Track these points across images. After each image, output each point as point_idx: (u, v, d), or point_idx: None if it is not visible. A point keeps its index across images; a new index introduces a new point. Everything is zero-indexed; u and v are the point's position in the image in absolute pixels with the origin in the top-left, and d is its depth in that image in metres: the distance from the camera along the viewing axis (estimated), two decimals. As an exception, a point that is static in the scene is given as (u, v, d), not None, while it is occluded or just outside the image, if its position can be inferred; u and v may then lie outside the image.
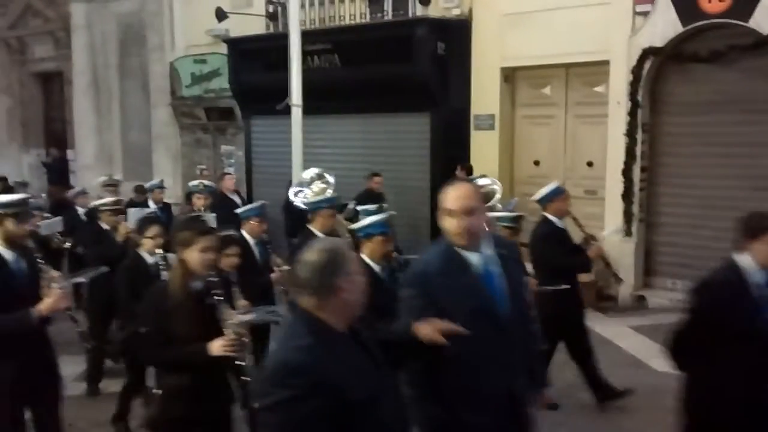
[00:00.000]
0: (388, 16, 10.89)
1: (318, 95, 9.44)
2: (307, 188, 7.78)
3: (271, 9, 11.95)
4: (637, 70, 8.72)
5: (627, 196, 8.90)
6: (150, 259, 5.22)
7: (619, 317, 8.38)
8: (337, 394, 2.24)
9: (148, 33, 14.46)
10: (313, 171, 7.97)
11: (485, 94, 10.27)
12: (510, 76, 10.29)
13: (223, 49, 12.74)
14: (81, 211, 9.09)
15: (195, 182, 8.51)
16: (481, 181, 7.17)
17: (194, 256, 3.41)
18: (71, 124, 16.38)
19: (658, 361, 6.67)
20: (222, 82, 13.09)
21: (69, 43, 15.75)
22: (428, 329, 2.67)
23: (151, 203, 9.33)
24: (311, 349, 2.29)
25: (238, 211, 6.59)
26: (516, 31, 9.76)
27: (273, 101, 9.43)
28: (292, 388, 2.22)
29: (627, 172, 8.90)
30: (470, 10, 10.26)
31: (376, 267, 4.48)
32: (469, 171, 9.85)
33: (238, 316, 3.62)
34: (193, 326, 3.36)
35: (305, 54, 9.50)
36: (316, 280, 2.34)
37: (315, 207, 5.89)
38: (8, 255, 4.08)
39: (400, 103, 10.39)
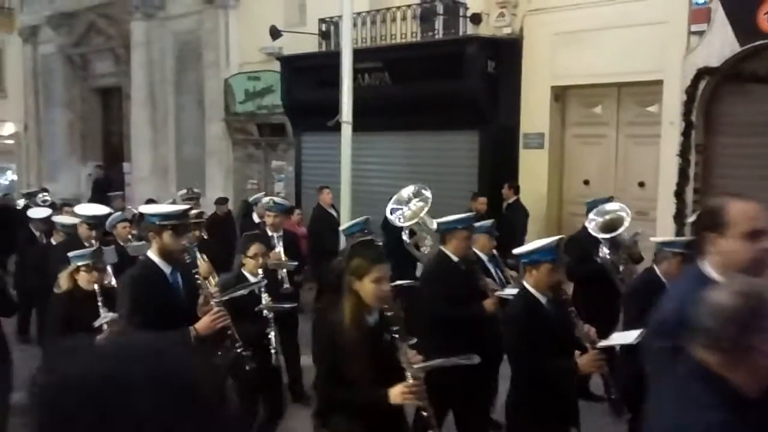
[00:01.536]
0: (439, 34, 10.96)
1: (368, 112, 9.52)
2: (405, 206, 7.23)
3: (323, 28, 12.16)
4: (691, 90, 8.59)
5: (679, 217, 8.74)
6: (252, 279, 4.91)
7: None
8: None
9: (204, 50, 14.84)
10: (411, 188, 7.41)
11: (535, 113, 10.23)
12: (560, 94, 10.23)
13: (277, 66, 12.99)
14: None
15: (266, 198, 7.94)
16: (608, 206, 6.52)
17: (368, 287, 3.09)
18: (128, 138, 16.85)
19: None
20: (275, 99, 13.33)
21: (128, 60, 16.26)
22: None
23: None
24: (726, 426, 1.79)
25: (343, 227, 6.18)
26: (567, 50, 9.72)
27: (324, 118, 9.54)
28: None
29: (679, 194, 8.75)
30: (521, 29, 10.26)
31: (542, 298, 3.94)
32: (516, 190, 9.81)
33: (419, 357, 3.19)
34: (367, 366, 3.02)
35: (356, 72, 9.59)
36: (726, 334, 1.79)
37: (449, 227, 5.08)
38: (165, 268, 3.90)
39: (450, 121, 10.42)
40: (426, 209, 6.84)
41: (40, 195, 12.27)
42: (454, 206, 10.13)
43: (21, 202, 12.19)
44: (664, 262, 4.77)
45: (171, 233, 3.86)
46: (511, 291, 4.81)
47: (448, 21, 10.89)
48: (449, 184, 10.38)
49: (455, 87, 10.16)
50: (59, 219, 7.36)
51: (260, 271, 4.92)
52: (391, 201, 7.27)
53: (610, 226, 6.22)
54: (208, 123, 14.91)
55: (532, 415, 3.81)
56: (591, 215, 6.45)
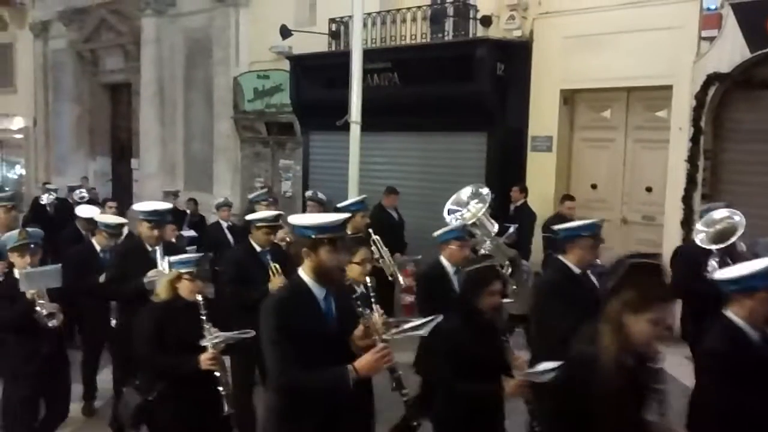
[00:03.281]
0: (449, 36, 10.98)
1: (376, 113, 9.56)
2: (464, 208, 6.65)
3: (333, 27, 12.18)
4: (701, 96, 8.58)
5: (686, 223, 8.72)
6: (357, 289, 4.25)
7: (675, 346, 8.17)
8: None
9: (214, 48, 14.88)
10: (468, 189, 6.86)
11: (544, 116, 10.23)
12: (569, 98, 10.23)
13: (286, 65, 13.02)
14: (224, 225, 9.27)
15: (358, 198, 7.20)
16: (717, 214, 5.88)
17: (642, 326, 2.63)
18: (137, 134, 16.92)
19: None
20: (283, 98, 13.36)
21: (138, 56, 16.32)
22: None
23: None
24: None
25: (438, 233, 5.31)
26: (577, 54, 9.72)
27: (332, 117, 9.58)
28: None
29: (687, 199, 8.74)
30: (531, 32, 10.27)
31: (753, 334, 3.32)
32: (526, 193, 9.80)
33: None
34: (623, 419, 2.56)
35: (365, 72, 9.62)
36: None
37: (573, 234, 4.55)
38: (318, 292, 3.24)
39: (458, 123, 10.44)
40: (484, 209, 6.35)
41: (77, 191, 11.56)
42: (461, 208, 10.21)
43: (45, 198, 11.78)
44: None
45: (329, 248, 3.21)
46: None
47: (458, 23, 10.91)
48: (457, 185, 10.26)
49: (464, 89, 10.17)
50: (102, 218, 6.72)
51: (368, 279, 4.27)
52: (449, 201, 6.80)
53: (723, 236, 5.59)
54: (217, 120, 14.95)
55: None
56: (698, 225, 5.90)
